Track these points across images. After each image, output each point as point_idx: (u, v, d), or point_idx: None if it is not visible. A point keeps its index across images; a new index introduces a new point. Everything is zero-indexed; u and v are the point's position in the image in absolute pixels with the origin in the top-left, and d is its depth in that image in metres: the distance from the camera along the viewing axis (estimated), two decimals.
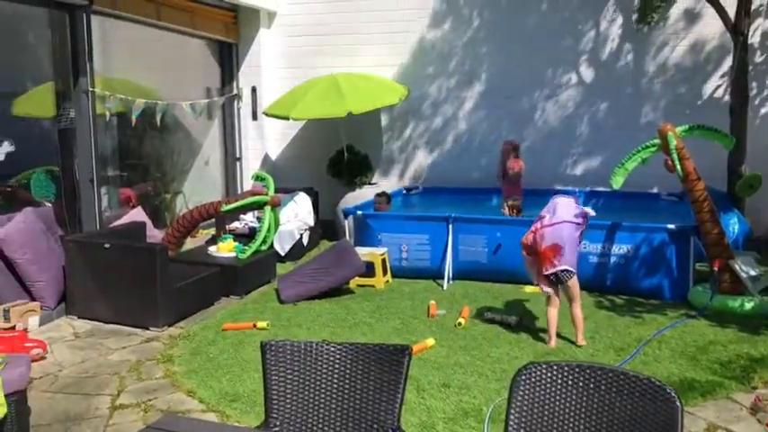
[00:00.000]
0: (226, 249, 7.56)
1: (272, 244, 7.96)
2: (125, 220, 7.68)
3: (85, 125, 7.40)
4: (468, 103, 9.98)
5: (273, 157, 10.73)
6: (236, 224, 8.94)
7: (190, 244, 8.41)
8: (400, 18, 9.95)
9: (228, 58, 10.45)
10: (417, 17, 9.93)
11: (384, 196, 8.67)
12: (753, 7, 8.16)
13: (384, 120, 10.33)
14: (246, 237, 8.20)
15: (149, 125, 8.69)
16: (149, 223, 7.79)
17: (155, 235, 7.82)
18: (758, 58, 8.76)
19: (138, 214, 7.87)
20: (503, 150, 8.71)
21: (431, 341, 5.65)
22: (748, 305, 6.22)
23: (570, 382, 2.52)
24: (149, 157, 9.41)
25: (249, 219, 8.98)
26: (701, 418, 4.32)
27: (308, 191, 9.36)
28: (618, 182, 6.83)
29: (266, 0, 10.16)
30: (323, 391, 2.94)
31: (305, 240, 8.88)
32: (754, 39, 8.67)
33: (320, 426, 2.91)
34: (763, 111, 8.83)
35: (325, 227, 9.65)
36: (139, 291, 6.15)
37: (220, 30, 10.04)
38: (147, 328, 6.14)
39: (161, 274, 6.11)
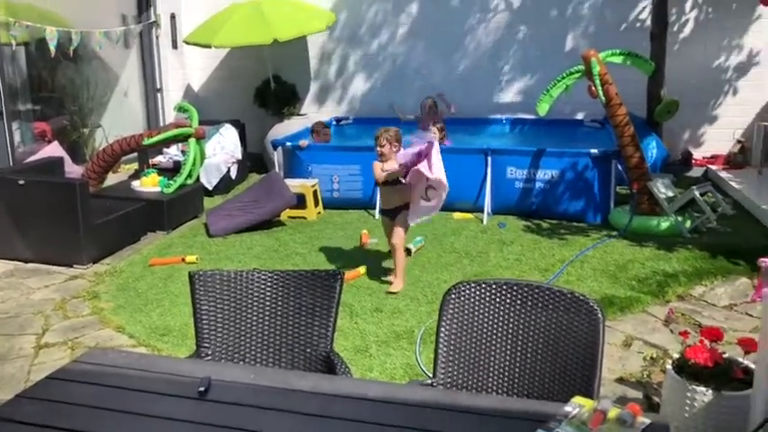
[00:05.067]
0: (150, 184, 7.34)
1: (198, 177, 7.77)
2: (41, 155, 7.32)
3: None
4: (401, 29, 9.80)
5: (196, 87, 10.35)
6: (159, 158, 8.66)
7: (112, 179, 8.11)
8: None
9: None
10: None
11: (326, 126, 8.51)
12: None
13: (312, 48, 10.07)
14: (171, 171, 7.96)
15: (63, 55, 8.18)
16: (67, 158, 7.47)
17: (74, 171, 7.51)
18: None
19: (54, 149, 7.52)
20: (429, 107, 8.61)
21: (363, 269, 5.71)
22: (664, 224, 6.52)
23: (498, 299, 2.60)
24: (64, 90, 8.90)
25: (173, 152, 8.71)
26: (620, 331, 4.56)
27: (235, 123, 9.12)
28: (544, 108, 6.93)
29: None
30: (255, 318, 2.93)
31: (233, 174, 8.70)
32: None
33: (253, 353, 2.92)
34: (681, 36, 9.03)
35: (253, 160, 9.46)
36: (60, 228, 5.93)
37: None
38: (71, 266, 5.97)
39: (82, 209, 5.89)
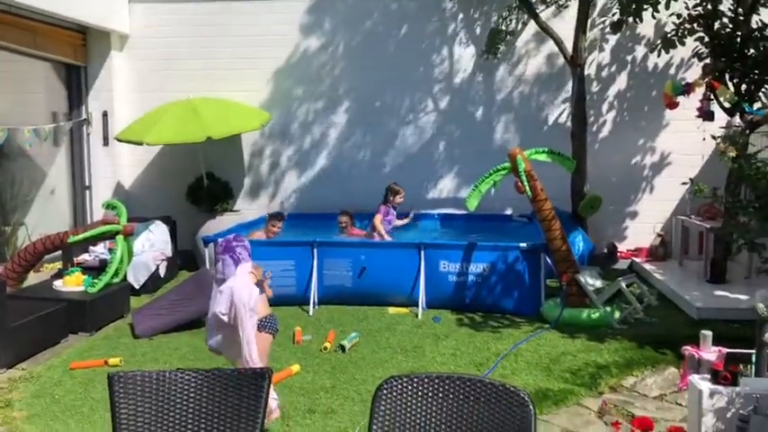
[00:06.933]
0: (73, 283, 7.06)
1: (125, 276, 7.53)
2: None
3: None
4: (333, 128, 10.06)
5: (127, 184, 10.22)
6: (84, 256, 8.38)
7: (33, 279, 7.78)
8: (261, 44, 9.89)
9: (77, 80, 9.88)
10: (279, 43, 9.91)
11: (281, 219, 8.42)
12: (587, 42, 8.89)
13: (247, 145, 10.17)
14: (97, 269, 7.69)
15: None
16: None
17: None
18: (594, 88, 9.51)
19: None
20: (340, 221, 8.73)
21: (296, 367, 5.55)
22: (594, 316, 6.64)
23: (430, 393, 2.55)
24: None
25: (100, 250, 8.45)
26: (556, 425, 4.54)
27: (166, 219, 8.97)
28: (473, 204, 7.11)
29: (117, 22, 9.74)
30: (178, 422, 2.78)
31: (162, 271, 8.47)
32: (591, 70, 9.42)
33: None
34: (600, 136, 9.57)
35: (184, 257, 9.27)
36: None
37: (67, 51, 9.48)
38: None
39: None
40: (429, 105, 9.92)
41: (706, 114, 7.76)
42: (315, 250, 7.48)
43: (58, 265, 8.34)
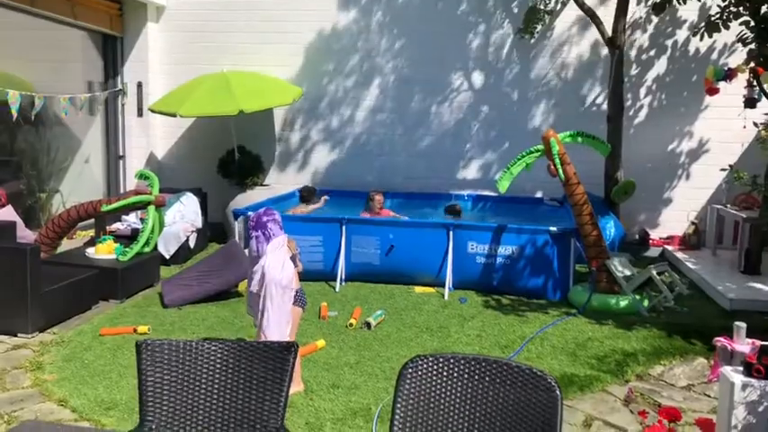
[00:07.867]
0: (105, 251, 7.16)
1: (155, 246, 7.62)
2: None
3: None
4: (365, 104, 10.01)
5: (160, 155, 10.31)
6: (117, 225, 8.49)
7: (67, 245, 7.91)
8: (295, 18, 9.85)
9: (113, 51, 9.96)
10: (313, 17, 9.86)
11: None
12: (628, 23, 8.68)
13: (278, 120, 10.18)
14: (128, 238, 7.81)
15: (23, 119, 8.12)
16: (20, 223, 7.25)
17: (26, 236, 7.29)
18: (633, 71, 9.30)
19: (7, 213, 7.31)
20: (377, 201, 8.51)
21: (321, 342, 5.58)
22: (623, 303, 6.56)
23: (455, 374, 2.53)
24: (23, 154, 8.79)
25: (132, 219, 8.56)
26: (580, 411, 4.49)
27: (197, 191, 9.04)
28: (504, 186, 7.02)
29: None
30: (203, 391, 2.81)
31: (191, 242, 8.56)
32: (631, 52, 9.21)
33: (199, 428, 2.78)
34: (636, 120, 9.39)
35: (213, 229, 9.36)
36: (7, 294, 5.69)
37: (104, 21, 9.55)
38: (15, 335, 5.70)
39: (31, 276, 5.68)
40: (463, 84, 9.80)
41: (748, 101, 7.56)
42: (343, 227, 7.48)
43: (91, 232, 8.49)
